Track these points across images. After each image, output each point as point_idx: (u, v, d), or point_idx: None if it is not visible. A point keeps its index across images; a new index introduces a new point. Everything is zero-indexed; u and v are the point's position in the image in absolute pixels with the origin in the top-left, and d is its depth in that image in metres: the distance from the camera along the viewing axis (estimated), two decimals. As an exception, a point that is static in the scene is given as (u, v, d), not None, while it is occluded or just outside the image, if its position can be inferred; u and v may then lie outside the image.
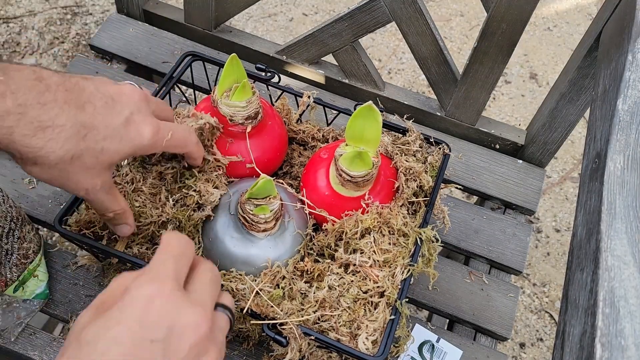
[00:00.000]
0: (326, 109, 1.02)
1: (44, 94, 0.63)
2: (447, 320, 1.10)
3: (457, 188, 1.07)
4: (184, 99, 1.13)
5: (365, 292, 0.83)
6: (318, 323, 0.81)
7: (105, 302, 0.55)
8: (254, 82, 0.94)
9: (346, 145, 0.86)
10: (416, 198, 0.91)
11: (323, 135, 1.01)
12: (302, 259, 0.87)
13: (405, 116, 1.00)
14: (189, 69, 1.04)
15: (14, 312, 0.92)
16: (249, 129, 0.90)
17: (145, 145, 0.72)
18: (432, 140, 0.97)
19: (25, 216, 0.93)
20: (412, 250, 0.86)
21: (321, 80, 1.33)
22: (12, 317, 0.92)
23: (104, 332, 0.51)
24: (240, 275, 0.83)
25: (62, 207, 0.87)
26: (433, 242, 0.89)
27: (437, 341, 1.01)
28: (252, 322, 0.80)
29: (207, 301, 0.59)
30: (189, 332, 0.54)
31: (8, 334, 0.93)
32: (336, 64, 1.31)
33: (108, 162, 0.70)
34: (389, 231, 0.87)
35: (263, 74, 1.01)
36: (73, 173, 0.67)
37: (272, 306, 0.79)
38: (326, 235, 0.88)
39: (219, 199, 0.88)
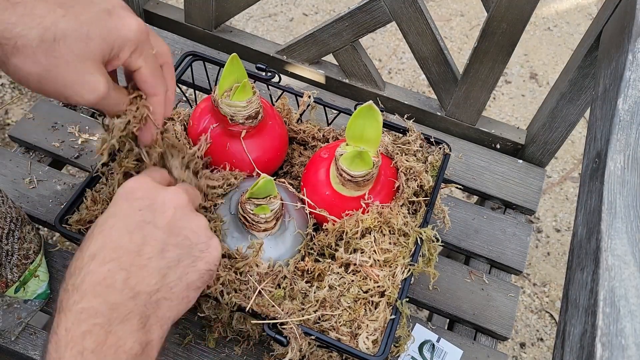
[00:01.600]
0: (326, 108, 1.02)
1: None
2: (448, 320, 1.10)
3: (457, 188, 1.07)
4: (184, 98, 1.13)
5: (366, 292, 0.83)
6: (318, 323, 0.81)
7: None
8: (254, 82, 0.94)
9: (346, 145, 0.86)
10: (416, 198, 0.91)
11: (323, 135, 1.01)
12: (303, 259, 0.87)
13: (405, 116, 1.00)
14: (190, 68, 1.04)
15: (15, 313, 0.92)
16: (243, 134, 0.90)
17: (132, 39, 0.65)
18: (432, 140, 0.97)
19: (25, 216, 0.93)
20: (413, 250, 0.86)
21: (321, 80, 1.33)
22: (12, 318, 0.92)
23: (104, 219, 0.63)
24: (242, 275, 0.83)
25: (62, 206, 0.87)
26: (433, 241, 0.89)
27: (438, 341, 1.01)
28: (252, 321, 0.80)
29: (184, 190, 0.69)
30: (170, 200, 0.66)
31: (8, 334, 0.93)
32: (336, 63, 1.31)
33: (99, 52, 0.62)
34: (390, 231, 0.87)
35: (263, 73, 1.01)
36: (66, 62, 0.59)
37: (273, 306, 0.79)
38: (326, 235, 0.88)
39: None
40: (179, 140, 0.90)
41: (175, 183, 0.78)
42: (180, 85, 1.11)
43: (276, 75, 1.01)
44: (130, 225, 0.62)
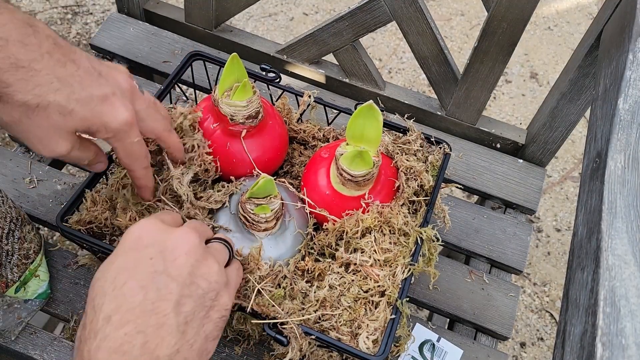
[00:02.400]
0: (327, 108, 1.02)
1: (30, 37, 0.63)
2: (448, 319, 1.10)
3: (457, 187, 1.07)
4: (185, 97, 1.13)
5: (366, 292, 0.83)
6: (319, 322, 0.81)
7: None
8: (254, 82, 0.94)
9: (347, 144, 0.86)
10: (417, 197, 0.91)
11: (324, 135, 1.01)
12: (303, 258, 0.87)
13: (405, 115, 1.00)
14: (190, 68, 1.04)
15: (15, 313, 0.92)
16: (243, 134, 0.90)
17: (112, 128, 0.70)
18: (432, 139, 0.97)
19: (25, 216, 0.93)
20: (413, 249, 0.86)
21: (322, 79, 1.33)
22: (12, 318, 0.92)
23: (114, 273, 0.61)
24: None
25: (63, 205, 0.87)
26: (434, 241, 0.89)
27: (438, 340, 1.01)
28: (253, 321, 0.80)
29: (193, 228, 0.68)
30: (180, 244, 0.64)
31: (8, 334, 0.93)
32: (337, 63, 1.31)
33: (73, 127, 0.67)
34: (390, 230, 0.87)
35: (267, 74, 1.01)
36: (35, 126, 0.65)
37: (273, 306, 0.79)
38: (327, 235, 0.88)
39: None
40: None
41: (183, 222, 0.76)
42: (179, 85, 1.11)
43: (279, 76, 1.02)
44: (142, 279, 0.60)
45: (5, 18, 0.61)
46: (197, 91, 1.16)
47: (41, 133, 0.66)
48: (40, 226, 1.06)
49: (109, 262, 0.63)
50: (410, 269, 0.83)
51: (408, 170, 0.91)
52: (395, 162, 0.93)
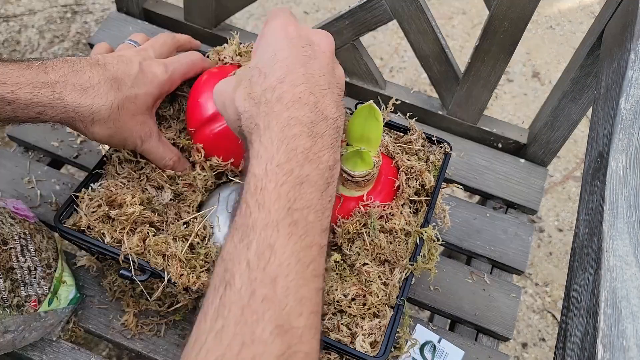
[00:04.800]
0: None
1: (74, 65, 0.80)
2: (449, 320, 1.10)
3: (458, 187, 1.06)
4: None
5: (366, 292, 0.82)
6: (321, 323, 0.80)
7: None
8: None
9: (347, 144, 0.86)
10: (418, 197, 0.91)
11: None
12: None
13: (407, 115, 1.00)
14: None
15: (47, 322, 0.91)
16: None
17: (163, 81, 0.87)
18: (434, 139, 0.96)
19: (30, 226, 0.93)
20: (413, 249, 0.85)
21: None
22: (42, 331, 0.91)
23: (272, 52, 0.68)
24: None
25: (61, 206, 0.86)
26: (434, 241, 0.88)
27: (439, 342, 1.00)
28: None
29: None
30: (324, 42, 0.72)
31: (49, 335, 0.93)
32: (337, 62, 1.31)
33: (145, 105, 0.85)
34: (390, 230, 0.86)
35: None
36: (125, 123, 0.83)
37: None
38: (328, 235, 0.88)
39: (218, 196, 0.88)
40: None
41: None
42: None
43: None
44: (300, 60, 0.67)
45: (52, 63, 0.79)
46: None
47: (129, 131, 0.85)
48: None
49: (261, 37, 0.72)
50: (410, 269, 0.83)
51: (409, 170, 0.91)
52: (396, 161, 0.92)
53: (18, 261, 0.86)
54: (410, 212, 0.89)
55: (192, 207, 0.89)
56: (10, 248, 0.87)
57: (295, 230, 0.58)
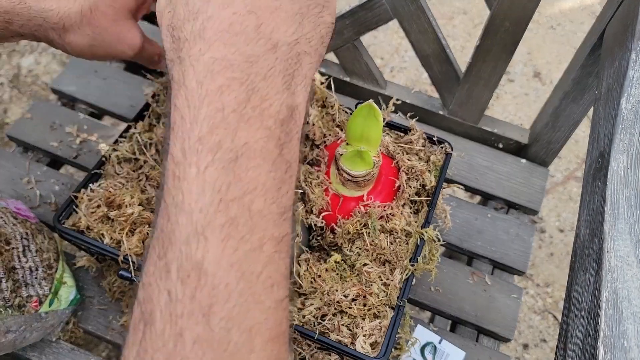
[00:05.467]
0: (327, 107, 1.01)
1: None
2: (450, 321, 1.10)
3: (459, 188, 1.06)
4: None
5: (367, 293, 0.82)
6: (321, 324, 0.80)
7: None
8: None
9: (347, 144, 0.85)
10: (419, 197, 0.90)
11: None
12: (304, 259, 0.87)
13: (408, 114, 1.00)
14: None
15: (48, 322, 0.91)
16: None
17: None
18: (434, 139, 0.96)
19: (32, 226, 0.93)
20: (414, 250, 0.85)
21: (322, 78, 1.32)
22: (43, 331, 0.91)
23: None
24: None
25: (60, 206, 0.86)
26: (435, 241, 0.88)
27: (440, 342, 1.00)
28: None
29: None
30: None
31: (49, 336, 0.93)
32: (337, 62, 1.30)
33: (125, 8, 0.74)
34: (391, 231, 0.86)
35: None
36: (105, 29, 0.72)
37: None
38: (327, 235, 0.87)
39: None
40: None
41: None
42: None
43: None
44: None
45: None
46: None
47: (113, 36, 0.74)
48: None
49: None
50: (410, 270, 0.83)
51: (409, 170, 0.91)
52: (397, 161, 0.92)
53: (20, 261, 0.86)
54: (410, 212, 0.89)
55: None
56: (13, 248, 0.87)
57: (234, 231, 0.43)
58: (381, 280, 0.82)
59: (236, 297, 0.42)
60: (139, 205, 0.86)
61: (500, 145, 1.29)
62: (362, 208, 0.86)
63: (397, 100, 0.97)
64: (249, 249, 0.43)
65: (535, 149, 1.24)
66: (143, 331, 0.41)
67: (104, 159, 0.91)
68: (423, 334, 1.01)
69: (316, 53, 0.51)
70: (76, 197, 0.86)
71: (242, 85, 0.45)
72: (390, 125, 0.97)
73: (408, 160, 0.91)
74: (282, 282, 0.46)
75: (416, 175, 0.91)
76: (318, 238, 0.88)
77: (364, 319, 0.80)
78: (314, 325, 0.80)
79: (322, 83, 0.95)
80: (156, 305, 0.41)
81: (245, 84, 0.45)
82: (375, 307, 0.81)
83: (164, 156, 0.47)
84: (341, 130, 0.93)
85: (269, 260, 0.44)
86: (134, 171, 0.90)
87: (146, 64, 0.83)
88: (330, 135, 0.92)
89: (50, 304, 0.89)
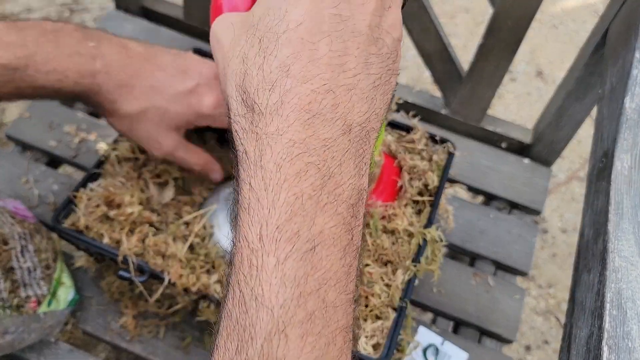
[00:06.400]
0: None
1: (126, 59, 0.79)
2: (452, 322, 1.09)
3: (461, 188, 1.05)
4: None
5: (368, 294, 0.81)
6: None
7: None
8: None
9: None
10: (421, 197, 0.90)
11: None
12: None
13: (410, 114, 0.99)
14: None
15: (46, 323, 0.91)
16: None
17: (204, 114, 0.82)
18: (437, 138, 0.95)
19: (31, 226, 0.92)
20: (416, 250, 0.84)
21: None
22: (41, 332, 0.91)
23: (277, 4, 0.46)
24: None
25: (59, 206, 0.86)
26: (437, 242, 0.87)
27: (442, 344, 0.99)
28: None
29: None
30: None
31: (48, 337, 0.92)
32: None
33: (174, 123, 0.82)
34: (393, 231, 0.85)
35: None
36: (142, 129, 0.81)
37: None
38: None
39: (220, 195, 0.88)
40: None
41: None
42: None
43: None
44: (323, 22, 0.45)
45: (106, 48, 0.78)
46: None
47: (149, 134, 0.82)
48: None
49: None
50: (413, 271, 0.82)
51: (411, 170, 0.90)
52: (399, 161, 0.91)
53: (18, 261, 0.86)
54: (413, 212, 0.88)
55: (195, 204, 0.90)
56: (11, 248, 0.86)
57: (312, 327, 0.42)
58: (383, 281, 0.82)
59: None
60: (138, 204, 0.86)
61: (503, 145, 1.28)
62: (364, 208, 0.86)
63: (399, 99, 0.96)
64: (324, 343, 0.43)
65: (538, 149, 1.24)
66: None
67: (103, 158, 0.91)
68: (425, 335, 1.00)
69: (380, 117, 0.49)
70: (75, 197, 0.86)
71: (319, 171, 0.44)
72: (392, 125, 0.96)
73: (410, 159, 0.91)
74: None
75: (418, 175, 0.90)
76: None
77: (365, 320, 0.79)
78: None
79: None
80: None
81: (322, 170, 0.44)
82: (377, 308, 0.80)
83: (231, 222, 0.48)
84: None
85: (340, 353, 0.44)
86: (133, 170, 0.90)
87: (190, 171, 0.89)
88: None
89: (48, 305, 0.89)
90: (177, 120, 0.81)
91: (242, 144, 0.46)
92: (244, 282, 0.43)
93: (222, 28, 0.52)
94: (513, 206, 1.21)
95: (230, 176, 0.90)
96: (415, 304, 1.05)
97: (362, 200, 0.47)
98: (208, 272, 0.82)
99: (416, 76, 2.25)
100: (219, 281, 0.80)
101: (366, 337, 0.78)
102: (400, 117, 0.97)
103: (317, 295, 0.42)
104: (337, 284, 0.44)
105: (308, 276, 0.42)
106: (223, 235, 0.85)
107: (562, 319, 1.73)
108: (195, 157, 0.86)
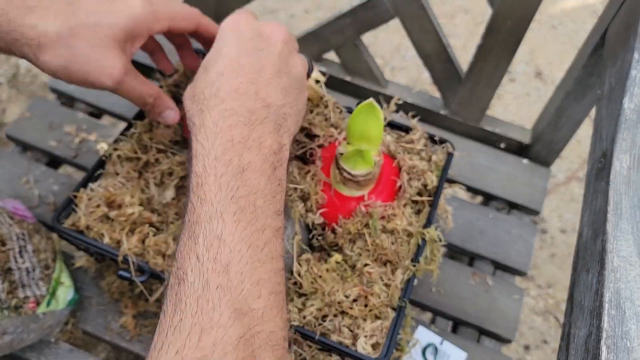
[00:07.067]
0: (327, 107, 1.01)
1: None
2: (451, 322, 1.09)
3: (460, 189, 1.06)
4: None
5: (368, 293, 0.81)
6: (322, 324, 0.80)
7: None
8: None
9: (347, 143, 0.85)
10: (420, 197, 0.90)
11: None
12: (305, 259, 0.86)
13: (409, 114, 0.99)
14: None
15: (45, 323, 0.91)
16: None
17: (141, 15, 0.72)
18: (436, 138, 0.95)
19: (30, 226, 0.92)
20: (415, 250, 0.84)
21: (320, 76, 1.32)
22: (40, 332, 0.91)
23: (217, 49, 0.69)
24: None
25: (59, 206, 0.86)
26: (437, 242, 0.88)
27: (441, 343, 1.00)
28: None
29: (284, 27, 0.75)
30: (277, 33, 0.72)
31: (48, 336, 0.92)
32: (338, 61, 1.30)
33: (110, 37, 0.70)
34: (392, 231, 0.85)
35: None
36: (82, 53, 0.69)
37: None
38: (328, 235, 0.87)
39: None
40: None
41: None
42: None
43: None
44: (245, 51, 0.68)
45: None
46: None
47: (89, 59, 0.70)
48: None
49: (211, 50, 0.70)
50: (412, 271, 0.82)
51: (411, 170, 0.90)
52: (398, 161, 0.91)
53: (16, 262, 0.86)
54: (412, 212, 0.89)
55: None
56: (9, 249, 0.87)
57: (243, 216, 0.58)
58: (382, 280, 0.82)
59: (247, 259, 0.56)
60: (139, 205, 0.86)
61: (502, 145, 1.28)
62: (363, 208, 0.86)
63: (399, 99, 0.96)
64: (254, 229, 0.58)
65: (537, 149, 1.24)
66: (178, 286, 0.55)
67: (104, 158, 0.91)
68: (424, 335, 1.00)
69: (297, 116, 0.71)
70: (75, 197, 0.86)
71: (245, 126, 0.63)
72: (391, 125, 0.96)
73: (409, 160, 0.91)
74: (279, 258, 0.61)
75: (418, 175, 0.90)
76: (319, 238, 0.88)
77: (365, 320, 0.80)
78: (315, 326, 0.79)
79: (317, 82, 0.94)
80: (187, 266, 0.55)
81: (247, 125, 0.63)
82: (377, 308, 0.81)
83: (188, 180, 0.63)
84: (336, 129, 0.92)
85: (268, 241, 0.59)
86: (134, 170, 0.90)
87: (139, 106, 0.80)
88: (324, 134, 0.91)
89: (47, 305, 0.89)
90: (114, 33, 0.71)
91: (193, 122, 0.64)
92: (193, 195, 0.59)
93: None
94: (512, 206, 1.21)
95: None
96: (414, 303, 1.05)
97: (283, 151, 0.66)
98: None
99: (415, 77, 2.25)
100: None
101: (365, 336, 0.78)
102: (400, 118, 0.97)
103: (247, 199, 0.59)
104: (264, 197, 0.61)
105: (239, 187, 0.59)
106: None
107: (561, 319, 1.73)
108: (147, 87, 0.78)
